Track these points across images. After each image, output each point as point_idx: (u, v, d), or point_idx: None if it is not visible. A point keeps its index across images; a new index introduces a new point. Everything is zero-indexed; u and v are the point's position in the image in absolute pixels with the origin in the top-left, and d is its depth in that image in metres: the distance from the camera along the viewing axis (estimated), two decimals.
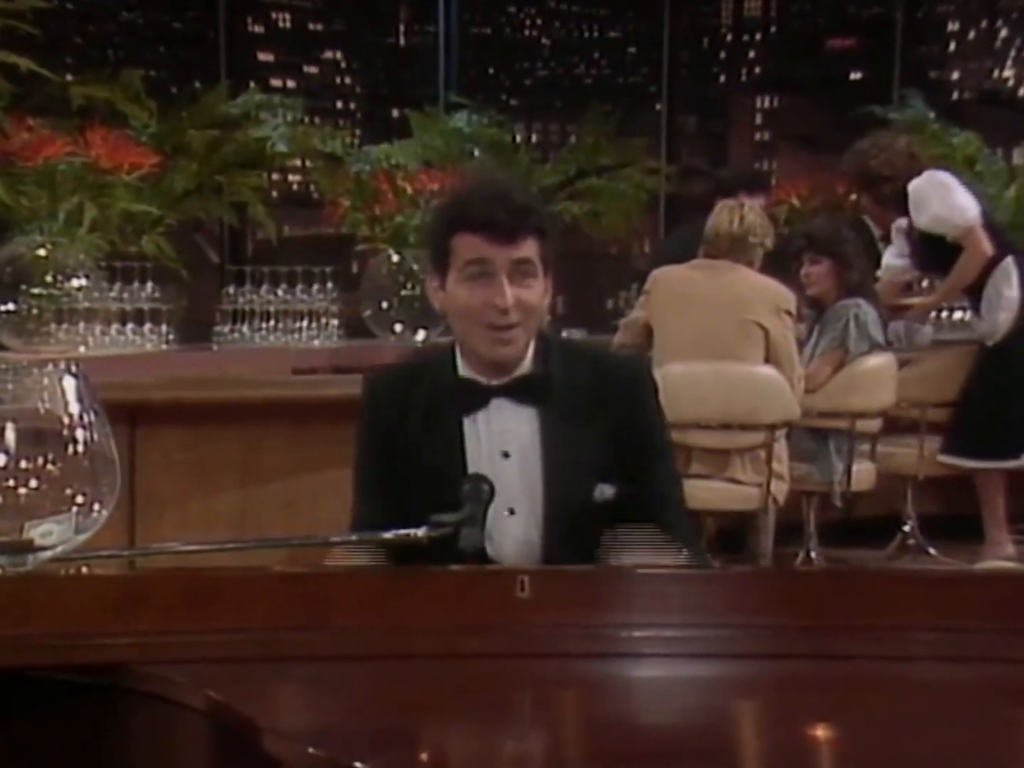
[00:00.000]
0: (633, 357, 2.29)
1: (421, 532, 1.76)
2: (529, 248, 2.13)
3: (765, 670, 1.69)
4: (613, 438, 2.17)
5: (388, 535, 1.78)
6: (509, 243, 2.11)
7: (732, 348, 4.38)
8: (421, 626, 1.70)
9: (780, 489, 4.44)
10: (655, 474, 2.21)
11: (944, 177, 5.13)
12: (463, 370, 2.22)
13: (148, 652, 1.63)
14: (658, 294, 4.55)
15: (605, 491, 2.16)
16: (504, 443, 2.16)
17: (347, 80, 8.78)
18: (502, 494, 2.08)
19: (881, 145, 5.20)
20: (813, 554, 4.93)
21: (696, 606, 1.74)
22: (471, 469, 2.12)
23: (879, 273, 5.48)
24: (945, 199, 5.02)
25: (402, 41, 8.75)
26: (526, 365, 2.20)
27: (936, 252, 5.12)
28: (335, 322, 5.28)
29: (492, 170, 5.65)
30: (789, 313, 4.45)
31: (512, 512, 2.16)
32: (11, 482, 1.55)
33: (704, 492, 4.35)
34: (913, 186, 5.07)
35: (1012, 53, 8.70)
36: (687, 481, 4.34)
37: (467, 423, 2.18)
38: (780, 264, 4.87)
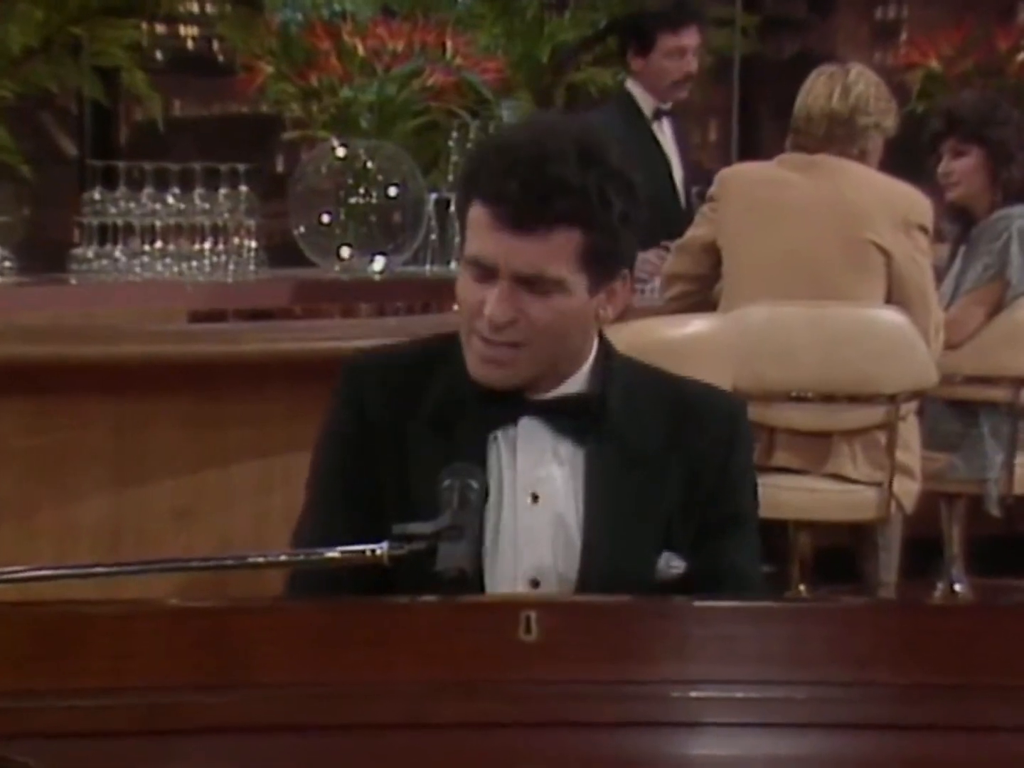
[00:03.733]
0: (727, 394, 2.36)
1: (381, 549, 1.78)
2: (557, 248, 2.11)
3: (885, 747, 1.71)
4: (688, 494, 2.22)
5: (334, 553, 1.80)
6: (520, 235, 2.10)
7: (838, 281, 4.39)
8: (381, 684, 1.72)
9: (908, 490, 4.46)
10: (737, 548, 2.26)
11: None
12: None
13: None
14: (730, 202, 4.56)
15: (673, 564, 2.20)
16: (534, 483, 2.20)
17: None
18: (524, 555, 2.15)
19: None
20: (958, 585, 4.96)
21: (781, 655, 1.76)
22: (490, 510, 2.13)
23: None
24: None
25: None
26: (579, 380, 2.23)
27: None
28: (252, 243, 5.29)
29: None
30: (923, 229, 4.45)
31: (536, 585, 2.19)
32: None
33: (795, 494, 4.37)
34: None
35: None
36: (770, 477, 4.41)
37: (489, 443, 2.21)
38: (910, 158, 4.86)
